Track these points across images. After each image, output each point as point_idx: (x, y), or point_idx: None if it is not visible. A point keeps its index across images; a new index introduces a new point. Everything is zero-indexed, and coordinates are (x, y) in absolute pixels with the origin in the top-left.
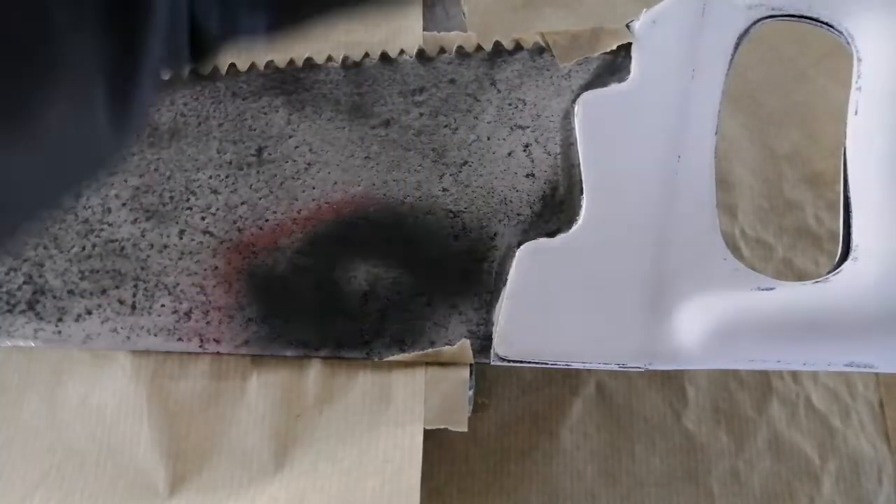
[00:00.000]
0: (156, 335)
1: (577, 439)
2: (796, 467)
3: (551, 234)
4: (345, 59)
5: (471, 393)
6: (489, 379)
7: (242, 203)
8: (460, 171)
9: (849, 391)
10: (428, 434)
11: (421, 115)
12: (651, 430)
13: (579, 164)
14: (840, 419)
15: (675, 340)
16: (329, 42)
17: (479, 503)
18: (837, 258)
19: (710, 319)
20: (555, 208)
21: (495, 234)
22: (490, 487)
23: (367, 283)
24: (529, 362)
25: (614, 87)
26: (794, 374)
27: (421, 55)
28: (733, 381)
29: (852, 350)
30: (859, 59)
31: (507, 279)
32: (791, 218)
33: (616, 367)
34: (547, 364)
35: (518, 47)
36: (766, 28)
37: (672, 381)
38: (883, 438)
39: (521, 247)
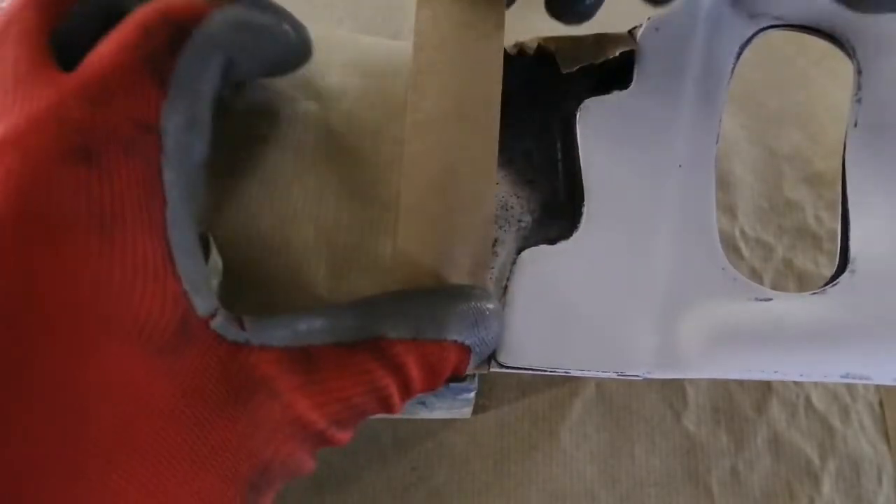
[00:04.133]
0: None
1: (577, 439)
2: (796, 467)
3: (552, 241)
4: None
5: (472, 395)
6: (489, 380)
7: None
8: None
9: (848, 391)
10: (428, 434)
11: None
12: (651, 430)
13: (580, 171)
14: (840, 419)
15: (673, 349)
16: None
17: (479, 503)
18: (835, 270)
19: (708, 329)
20: (555, 215)
21: (496, 241)
22: (490, 487)
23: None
24: (528, 369)
25: (616, 94)
26: None
27: None
28: (733, 381)
29: (849, 361)
30: (859, 72)
31: (507, 285)
32: (791, 218)
33: (615, 376)
34: (546, 371)
35: (521, 53)
36: None
37: (672, 382)
38: (883, 438)
39: (522, 253)
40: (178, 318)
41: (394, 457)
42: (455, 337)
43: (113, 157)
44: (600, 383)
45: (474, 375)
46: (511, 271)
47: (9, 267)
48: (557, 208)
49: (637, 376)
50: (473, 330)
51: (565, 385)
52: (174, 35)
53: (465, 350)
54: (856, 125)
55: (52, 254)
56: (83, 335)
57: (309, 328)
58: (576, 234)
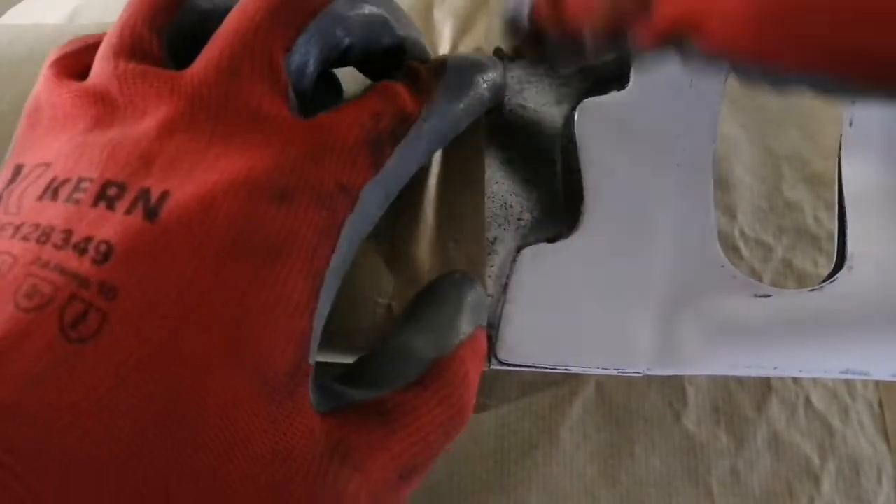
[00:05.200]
0: None
1: (577, 439)
2: (796, 467)
3: (552, 240)
4: None
5: None
6: (489, 379)
7: None
8: None
9: (848, 391)
10: None
11: None
12: (651, 430)
13: (579, 171)
14: (839, 419)
15: (672, 346)
16: None
17: (479, 503)
18: (832, 267)
19: (707, 326)
20: (555, 214)
21: (495, 239)
22: (490, 487)
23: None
24: (528, 366)
25: (614, 95)
26: None
27: None
28: (733, 381)
29: (848, 358)
30: None
31: (506, 283)
32: (790, 219)
33: (614, 372)
34: (546, 368)
35: (519, 54)
36: None
37: (672, 381)
38: (882, 438)
39: (522, 251)
40: (294, 361)
41: None
42: (482, 322)
43: (304, 203)
44: (600, 383)
45: None
46: (511, 269)
47: (183, 274)
48: (556, 207)
49: (637, 373)
50: (485, 314)
51: (565, 384)
52: (399, 127)
53: (486, 334)
54: (851, 124)
55: (215, 268)
56: (216, 351)
57: (376, 375)
58: (575, 233)
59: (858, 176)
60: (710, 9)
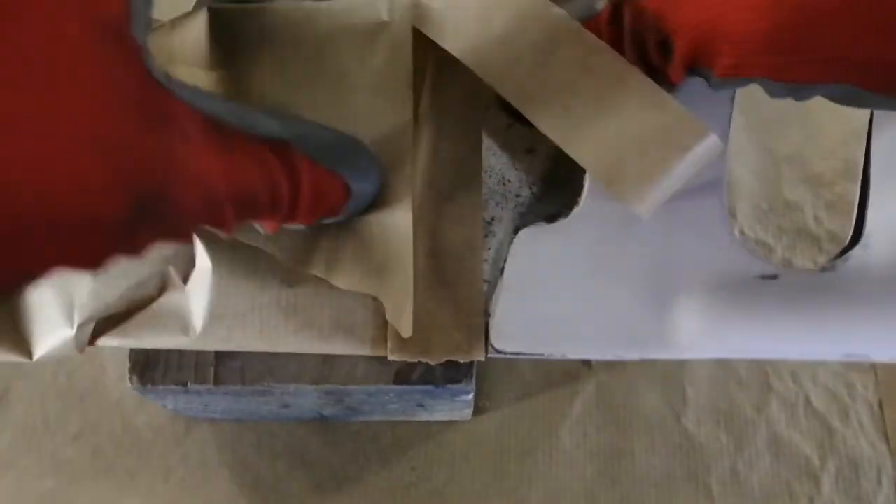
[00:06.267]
0: None
1: (577, 439)
2: (796, 467)
3: (551, 218)
4: None
5: (471, 397)
6: (489, 381)
7: None
8: None
9: (848, 392)
10: (428, 434)
11: None
12: (651, 430)
13: None
14: (839, 419)
15: (673, 330)
16: None
17: (479, 503)
18: (846, 244)
19: (710, 307)
20: (556, 189)
21: (492, 219)
22: (490, 487)
23: None
24: (525, 354)
25: None
26: (794, 374)
27: None
28: (733, 381)
29: (850, 340)
30: None
31: (503, 268)
32: (790, 218)
33: (612, 358)
34: (543, 355)
35: None
36: None
37: (672, 382)
38: (882, 439)
39: (519, 233)
40: (118, 15)
41: (394, 457)
42: (346, 174)
43: None
44: (600, 383)
45: (471, 376)
46: (508, 252)
47: None
48: (558, 181)
49: (634, 358)
50: (361, 179)
51: (565, 385)
52: None
53: (347, 193)
54: None
55: None
56: None
57: (228, 110)
58: (576, 210)
59: (888, 154)
60: (721, 36)
